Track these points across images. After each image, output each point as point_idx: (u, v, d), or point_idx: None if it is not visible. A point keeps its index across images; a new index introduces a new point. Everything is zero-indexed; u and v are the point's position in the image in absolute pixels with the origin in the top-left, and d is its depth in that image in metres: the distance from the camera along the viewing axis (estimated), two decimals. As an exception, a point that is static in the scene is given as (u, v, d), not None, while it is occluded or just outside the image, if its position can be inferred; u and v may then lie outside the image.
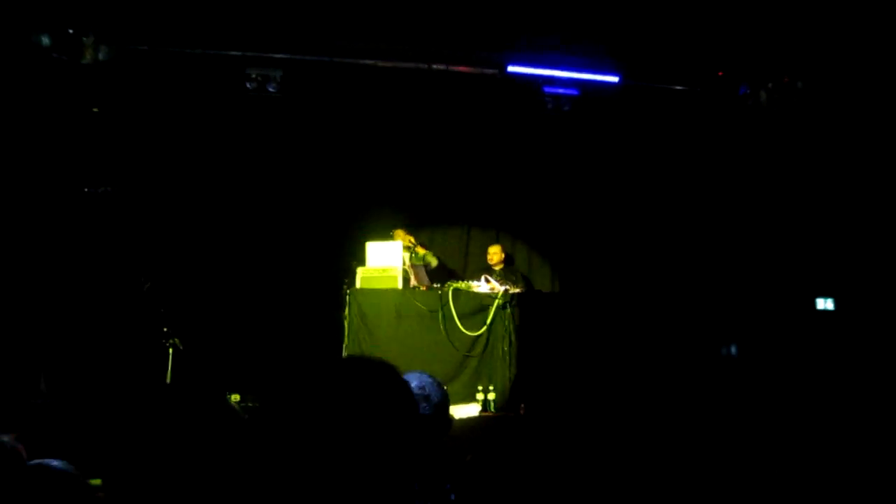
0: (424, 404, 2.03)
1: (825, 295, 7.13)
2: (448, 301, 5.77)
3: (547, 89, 6.39)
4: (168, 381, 5.59)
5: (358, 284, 5.93)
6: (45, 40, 5.62)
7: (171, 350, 5.68)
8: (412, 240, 6.68)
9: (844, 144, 6.90)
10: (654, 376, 6.26)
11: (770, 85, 6.51)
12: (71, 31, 5.67)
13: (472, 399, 5.49)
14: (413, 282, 6.24)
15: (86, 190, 5.91)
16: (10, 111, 6.06)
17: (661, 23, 5.97)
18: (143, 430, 1.13)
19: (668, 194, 7.46)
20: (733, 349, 7.15)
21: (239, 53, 6.13)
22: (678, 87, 6.73)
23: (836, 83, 6.48)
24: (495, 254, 6.95)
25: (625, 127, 7.24)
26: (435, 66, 6.32)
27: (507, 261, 7.12)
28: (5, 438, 1.88)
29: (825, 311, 7.14)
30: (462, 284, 6.03)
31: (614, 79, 6.35)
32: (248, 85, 6.15)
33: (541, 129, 7.23)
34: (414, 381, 2.05)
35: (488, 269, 6.83)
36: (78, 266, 6.25)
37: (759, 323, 6.99)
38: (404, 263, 6.18)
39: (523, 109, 6.84)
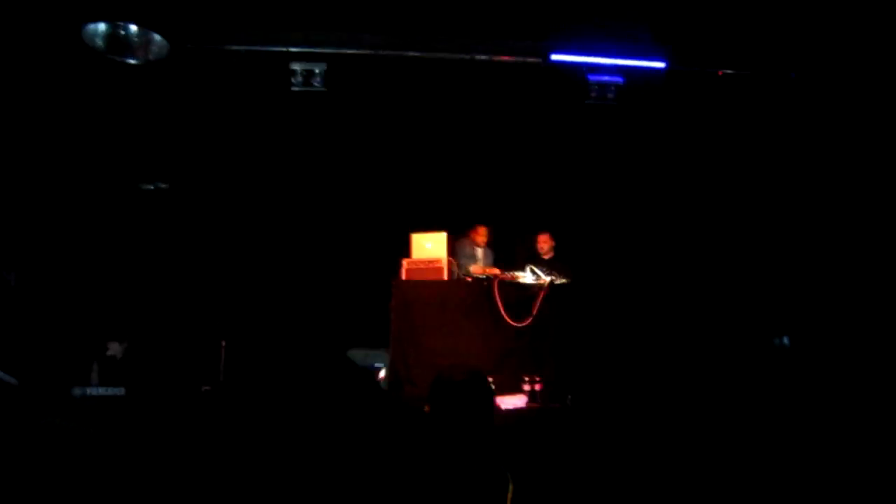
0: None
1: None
2: (493, 291, 5.75)
3: (591, 77, 6.29)
4: (221, 372, 5.72)
5: (403, 276, 5.96)
6: (99, 42, 5.78)
7: (223, 342, 5.80)
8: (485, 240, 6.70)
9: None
10: (703, 369, 6.14)
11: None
12: (122, 32, 5.82)
13: (519, 390, 5.46)
14: (458, 272, 6.23)
15: (140, 186, 6.08)
16: (64, 111, 6.27)
17: (708, 5, 5.83)
18: None
19: (713, 182, 7.29)
20: (786, 340, 6.96)
21: (283, 49, 6.20)
22: (727, 72, 6.56)
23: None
24: (545, 242, 6.73)
25: (671, 113, 7.10)
26: (477, 57, 6.29)
27: (557, 250, 7.01)
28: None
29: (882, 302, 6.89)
30: (507, 275, 6.00)
31: (661, 64, 6.22)
32: (293, 80, 6.22)
33: (584, 120, 7.14)
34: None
35: (535, 258, 6.78)
36: (132, 259, 6.44)
37: (814, 314, 6.78)
38: (452, 254, 6.15)
39: (566, 99, 6.75)
